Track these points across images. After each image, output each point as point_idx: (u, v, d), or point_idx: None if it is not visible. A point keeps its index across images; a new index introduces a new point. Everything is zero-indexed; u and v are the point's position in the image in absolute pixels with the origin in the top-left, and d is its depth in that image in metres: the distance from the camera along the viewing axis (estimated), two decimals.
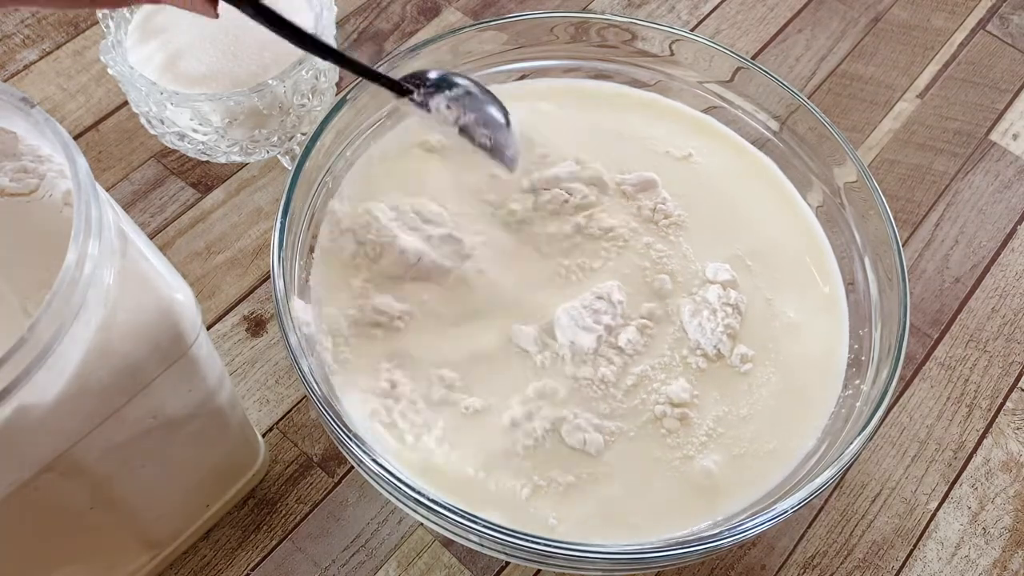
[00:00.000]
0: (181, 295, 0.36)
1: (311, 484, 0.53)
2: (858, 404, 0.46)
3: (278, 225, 0.47)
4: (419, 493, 0.40)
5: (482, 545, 0.42)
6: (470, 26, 0.55)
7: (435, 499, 0.40)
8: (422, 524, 0.51)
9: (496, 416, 0.45)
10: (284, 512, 0.52)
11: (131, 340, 0.34)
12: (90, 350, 0.32)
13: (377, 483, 0.42)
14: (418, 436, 0.44)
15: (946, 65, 0.73)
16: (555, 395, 0.46)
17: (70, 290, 0.30)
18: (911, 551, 0.53)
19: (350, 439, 0.41)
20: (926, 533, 0.53)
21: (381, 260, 0.50)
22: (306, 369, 0.43)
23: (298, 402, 0.56)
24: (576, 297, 0.49)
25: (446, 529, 0.42)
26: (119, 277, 0.33)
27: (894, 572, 0.52)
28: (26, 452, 0.32)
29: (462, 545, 0.49)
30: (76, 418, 0.33)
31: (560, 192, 0.53)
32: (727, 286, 0.50)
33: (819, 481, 0.41)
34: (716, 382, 0.47)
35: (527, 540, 0.40)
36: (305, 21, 0.56)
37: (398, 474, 0.41)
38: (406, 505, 0.42)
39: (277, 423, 0.55)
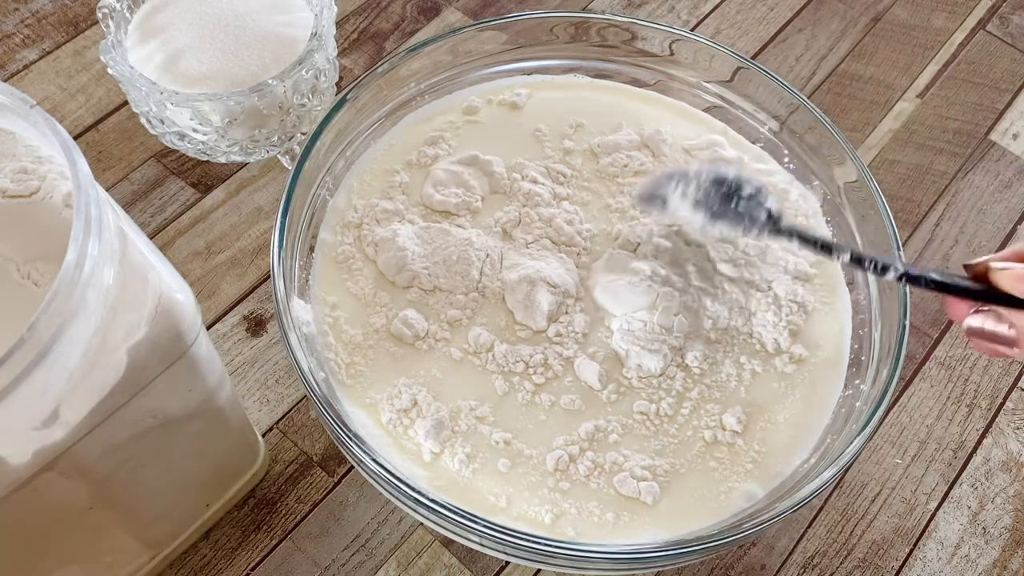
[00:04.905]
0: (181, 295, 0.36)
1: (311, 484, 0.53)
2: (858, 404, 0.46)
3: (278, 225, 0.47)
4: (419, 493, 0.40)
5: (482, 545, 0.42)
6: (470, 26, 0.55)
7: (435, 499, 0.40)
8: (422, 524, 0.51)
9: (536, 456, 0.45)
10: (284, 512, 0.52)
11: (131, 340, 0.34)
12: (89, 350, 0.32)
13: (377, 483, 0.42)
14: (436, 457, 0.44)
15: (946, 65, 0.73)
16: (606, 438, 0.45)
17: (70, 290, 0.29)
18: (911, 551, 0.53)
19: (350, 439, 0.41)
20: (926, 533, 0.53)
21: (379, 258, 0.50)
22: (306, 369, 0.43)
23: (298, 402, 0.56)
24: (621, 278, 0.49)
25: (446, 529, 0.42)
26: (119, 277, 0.33)
27: (894, 572, 0.52)
28: (25, 451, 0.32)
29: (462, 545, 0.49)
30: (76, 418, 0.33)
31: (620, 156, 0.54)
32: (798, 280, 0.50)
33: (819, 481, 0.41)
34: (764, 390, 0.47)
35: (527, 540, 0.39)
36: (305, 21, 0.56)
37: (397, 473, 0.41)
38: (406, 505, 0.42)
39: (277, 423, 0.55)
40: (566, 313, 0.49)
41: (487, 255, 0.50)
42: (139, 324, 0.34)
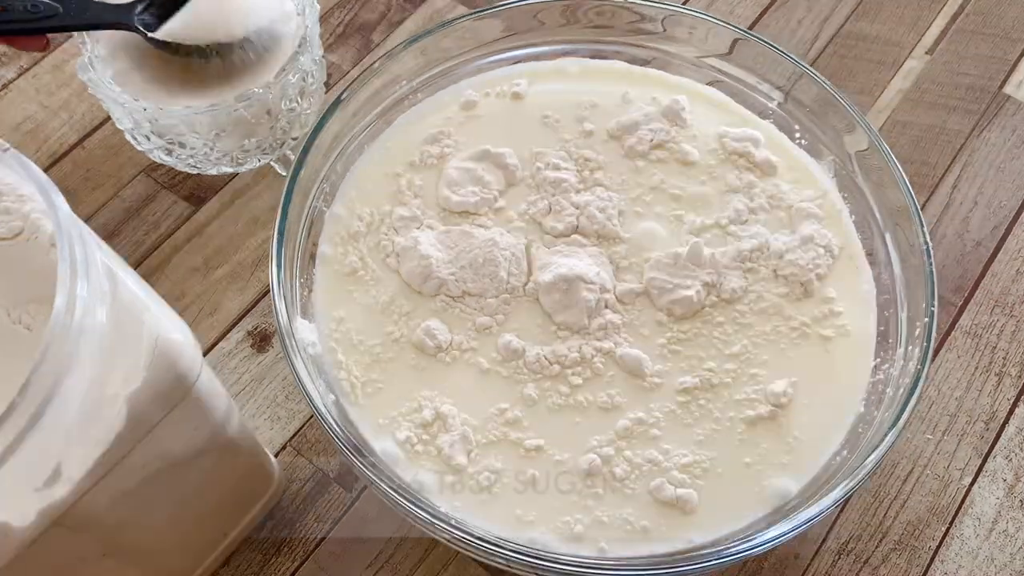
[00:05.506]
0: (178, 334, 0.34)
1: (329, 501, 0.52)
2: (889, 390, 0.44)
3: (275, 240, 0.45)
4: (440, 520, 0.39)
5: (508, 565, 0.40)
6: (461, 18, 0.53)
7: (458, 527, 0.38)
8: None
9: (569, 460, 0.43)
10: (304, 532, 0.51)
11: (129, 388, 0.32)
12: (87, 403, 0.30)
13: (396, 508, 0.41)
14: (460, 472, 0.43)
15: (954, 17, 0.70)
16: (646, 432, 0.44)
17: (62, 340, 0.28)
18: (947, 529, 0.52)
19: (364, 467, 0.40)
20: (962, 509, 0.52)
21: (402, 268, 0.48)
22: (315, 395, 0.41)
23: (310, 417, 0.54)
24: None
25: (470, 553, 0.40)
26: (112, 320, 0.31)
27: (931, 552, 0.51)
28: (29, 513, 0.31)
29: None
30: (79, 473, 0.32)
31: (646, 133, 0.52)
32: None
33: (853, 482, 0.40)
34: (807, 359, 0.47)
35: (550, 562, 0.38)
36: (290, 14, 0.53)
37: (415, 501, 0.39)
38: (427, 529, 0.41)
39: (290, 440, 0.54)
40: (605, 307, 0.47)
41: (512, 253, 0.48)
42: (136, 370, 0.32)
